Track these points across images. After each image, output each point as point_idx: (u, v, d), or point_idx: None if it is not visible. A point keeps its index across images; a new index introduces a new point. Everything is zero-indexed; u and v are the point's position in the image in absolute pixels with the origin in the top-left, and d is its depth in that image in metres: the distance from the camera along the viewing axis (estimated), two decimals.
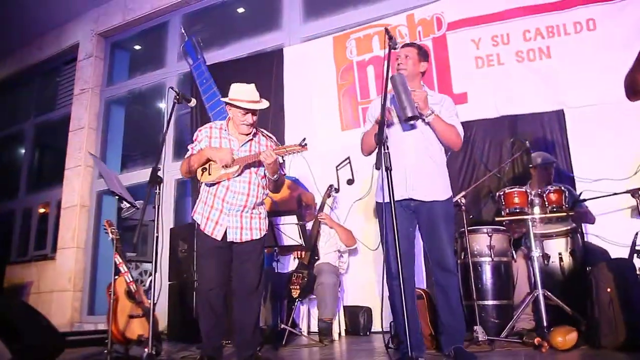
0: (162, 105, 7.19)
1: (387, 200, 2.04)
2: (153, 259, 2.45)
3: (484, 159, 4.55)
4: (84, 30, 7.55)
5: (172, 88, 2.87)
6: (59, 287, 6.66)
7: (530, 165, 3.63)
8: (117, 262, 3.42)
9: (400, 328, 2.58)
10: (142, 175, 6.29)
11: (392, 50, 2.53)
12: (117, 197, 3.34)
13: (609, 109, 4.16)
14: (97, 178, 6.93)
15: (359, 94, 5.28)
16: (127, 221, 6.78)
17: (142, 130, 7.75)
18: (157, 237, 2.48)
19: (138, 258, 6.87)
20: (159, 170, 2.54)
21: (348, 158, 4.87)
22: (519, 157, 4.27)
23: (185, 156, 3.12)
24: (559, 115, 4.36)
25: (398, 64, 2.82)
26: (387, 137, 2.10)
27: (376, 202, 2.87)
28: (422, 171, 2.72)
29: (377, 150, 2.11)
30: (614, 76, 4.02)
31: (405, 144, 2.74)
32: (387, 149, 2.07)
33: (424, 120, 2.70)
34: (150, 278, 4.97)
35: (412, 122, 2.60)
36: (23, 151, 8.73)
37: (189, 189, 6.41)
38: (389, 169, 2.03)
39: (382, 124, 2.11)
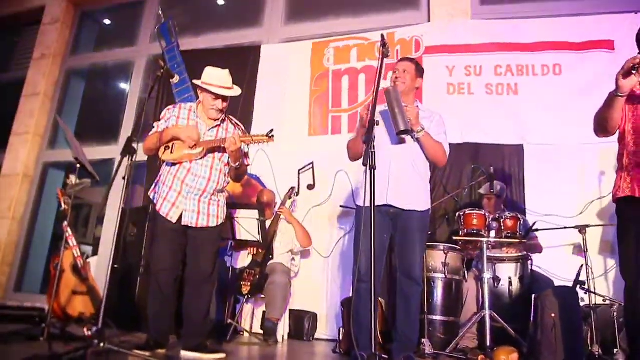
0: (126, 86, 6.92)
1: (367, 200, 2.05)
2: (116, 225, 2.35)
3: (444, 181, 4.68)
4: None
5: (160, 59, 2.81)
6: None
7: (492, 192, 3.78)
8: (67, 235, 3.26)
9: (359, 331, 2.60)
10: (94, 153, 5.99)
11: (386, 62, 2.58)
12: (78, 165, 3.19)
13: (565, 150, 4.43)
14: (47, 149, 6.58)
15: (330, 102, 5.32)
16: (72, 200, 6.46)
17: (101, 108, 7.40)
18: (122, 208, 2.39)
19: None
20: (134, 141, 2.45)
21: (311, 163, 4.91)
22: (478, 183, 4.44)
23: (150, 133, 3.05)
24: (519, 149, 4.57)
25: (396, 78, 2.89)
26: (374, 137, 2.13)
27: (356, 205, 2.92)
28: (405, 180, 2.80)
29: (364, 149, 2.14)
30: (573, 120, 4.36)
31: (391, 154, 2.82)
32: (374, 148, 2.11)
33: (413, 136, 2.78)
34: (89, 260, 4.74)
35: (403, 135, 2.67)
36: None
37: (142, 175, 6.19)
38: (372, 168, 2.06)
39: (372, 123, 2.15)
